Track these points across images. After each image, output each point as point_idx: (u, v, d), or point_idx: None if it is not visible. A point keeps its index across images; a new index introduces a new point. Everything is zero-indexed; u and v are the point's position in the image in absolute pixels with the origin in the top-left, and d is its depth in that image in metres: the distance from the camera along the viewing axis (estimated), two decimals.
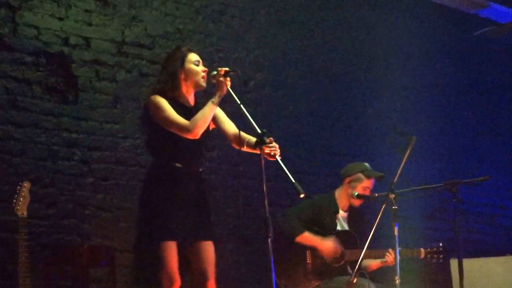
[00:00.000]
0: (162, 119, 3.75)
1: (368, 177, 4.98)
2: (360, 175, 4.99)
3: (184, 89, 3.88)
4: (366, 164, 5.06)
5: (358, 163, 5.12)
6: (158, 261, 3.71)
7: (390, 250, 4.83)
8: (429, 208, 7.14)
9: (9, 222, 4.35)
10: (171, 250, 3.72)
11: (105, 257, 4.65)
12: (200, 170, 3.93)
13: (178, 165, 3.79)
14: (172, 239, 3.74)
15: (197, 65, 3.88)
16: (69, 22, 4.99)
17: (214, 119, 3.93)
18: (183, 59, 3.87)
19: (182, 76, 3.85)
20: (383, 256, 4.88)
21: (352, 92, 6.78)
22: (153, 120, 3.81)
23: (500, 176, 7.92)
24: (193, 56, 3.90)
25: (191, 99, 3.92)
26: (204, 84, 3.87)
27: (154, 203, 3.77)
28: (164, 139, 3.79)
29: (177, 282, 3.76)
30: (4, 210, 4.40)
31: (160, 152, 3.85)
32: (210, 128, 3.97)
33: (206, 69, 3.87)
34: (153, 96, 3.80)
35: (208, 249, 3.88)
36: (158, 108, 3.75)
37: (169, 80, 3.85)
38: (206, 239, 3.88)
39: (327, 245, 4.78)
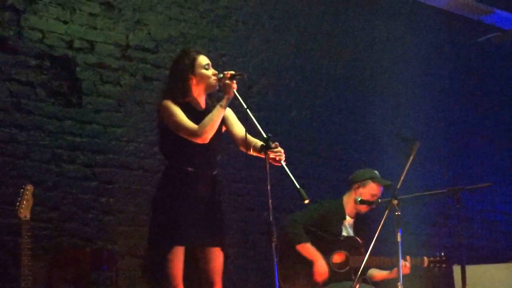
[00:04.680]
0: (172, 123, 3.74)
1: (377, 184, 4.93)
2: (369, 181, 4.92)
3: (195, 93, 3.85)
4: (376, 171, 4.99)
5: (368, 169, 5.05)
6: (163, 265, 3.69)
7: (408, 258, 4.83)
8: (432, 214, 7.13)
9: (12, 225, 4.35)
10: (177, 256, 3.70)
11: (107, 261, 4.66)
12: (214, 173, 3.89)
13: (190, 169, 3.77)
14: (180, 244, 3.71)
15: (207, 69, 3.84)
16: (73, 25, 5.00)
17: (224, 121, 3.90)
18: (193, 64, 3.82)
19: (194, 82, 3.82)
20: (390, 264, 4.84)
21: (355, 97, 6.77)
22: (164, 124, 3.80)
23: (504, 182, 7.90)
24: (202, 60, 3.85)
25: (202, 102, 3.89)
26: (217, 86, 3.82)
27: (164, 207, 3.75)
28: (176, 143, 3.77)
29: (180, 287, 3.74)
30: (7, 213, 4.40)
31: (172, 156, 3.83)
32: (222, 130, 3.94)
33: (216, 71, 3.84)
34: (164, 101, 3.78)
35: (216, 256, 3.84)
36: (169, 113, 3.73)
37: (180, 86, 3.81)
38: (215, 245, 3.84)
39: (320, 265, 4.72)
